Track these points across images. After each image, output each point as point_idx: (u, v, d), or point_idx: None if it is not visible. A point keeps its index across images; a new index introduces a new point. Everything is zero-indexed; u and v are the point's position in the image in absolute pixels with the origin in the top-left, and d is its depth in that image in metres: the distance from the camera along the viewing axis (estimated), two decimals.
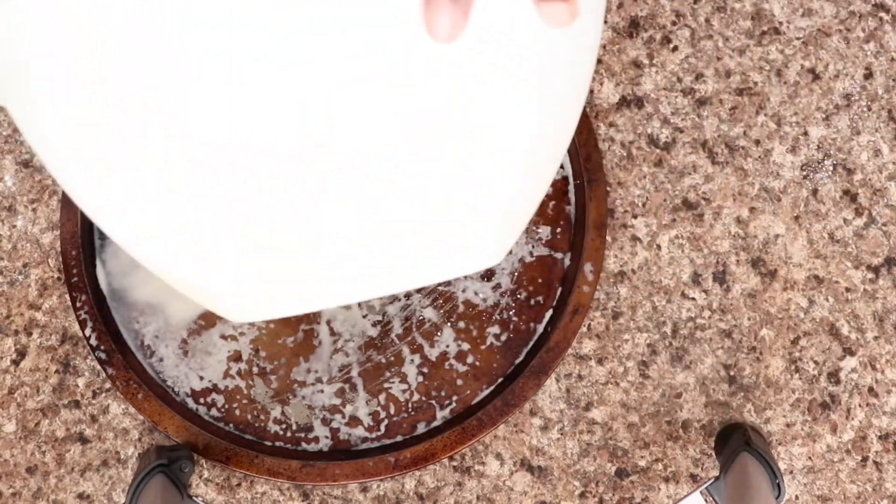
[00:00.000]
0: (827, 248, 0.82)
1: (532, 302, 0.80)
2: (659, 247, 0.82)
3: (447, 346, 0.79)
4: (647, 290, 0.81)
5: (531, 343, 0.80)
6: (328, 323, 0.80)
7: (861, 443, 0.80)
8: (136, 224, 0.36)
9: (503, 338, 0.80)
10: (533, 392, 0.77)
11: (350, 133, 0.33)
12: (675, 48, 0.85)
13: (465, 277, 0.80)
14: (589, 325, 0.81)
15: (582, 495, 0.79)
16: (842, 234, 0.82)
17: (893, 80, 0.85)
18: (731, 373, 0.80)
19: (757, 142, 0.84)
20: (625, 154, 0.84)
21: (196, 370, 0.79)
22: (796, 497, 0.79)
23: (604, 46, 0.85)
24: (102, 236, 0.81)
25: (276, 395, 0.79)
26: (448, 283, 0.80)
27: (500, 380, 0.79)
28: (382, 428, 0.79)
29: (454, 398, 0.79)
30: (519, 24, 0.33)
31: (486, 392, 0.79)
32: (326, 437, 0.78)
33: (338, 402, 0.79)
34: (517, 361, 0.79)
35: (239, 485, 0.79)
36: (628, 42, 0.85)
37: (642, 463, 0.79)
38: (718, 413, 0.80)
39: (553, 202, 0.82)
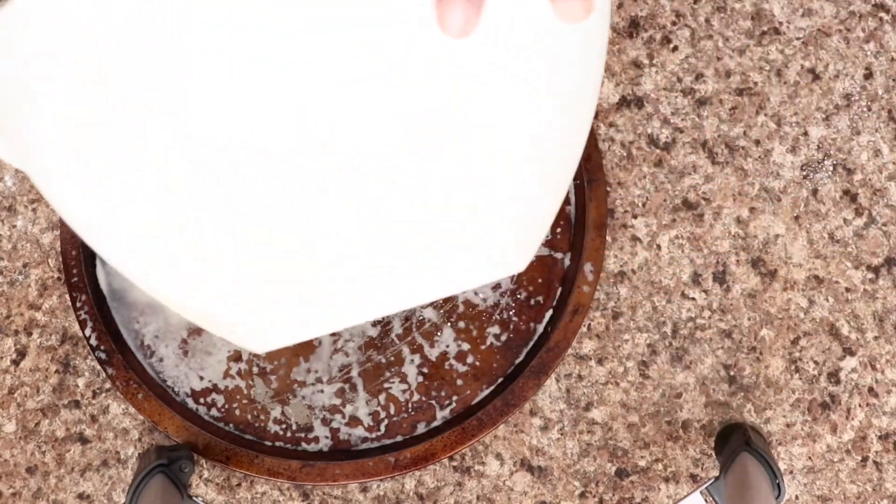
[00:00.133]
0: (827, 248, 0.82)
1: (532, 302, 0.80)
2: (659, 247, 0.82)
3: (447, 346, 0.79)
4: (647, 290, 0.81)
5: (531, 343, 0.80)
6: None
7: (861, 443, 0.80)
8: (133, 229, 0.36)
9: (503, 338, 0.80)
10: (533, 392, 0.77)
11: (351, 134, 0.33)
12: (675, 48, 0.85)
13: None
14: (589, 325, 0.81)
15: (582, 495, 0.79)
16: (842, 234, 0.82)
17: (893, 80, 0.85)
18: (731, 373, 0.80)
19: (757, 142, 0.84)
20: (625, 154, 0.84)
21: (196, 370, 0.79)
22: (796, 497, 0.79)
23: None
24: None
25: (276, 395, 0.79)
26: None
27: (500, 380, 0.79)
28: (382, 428, 0.79)
29: (454, 398, 0.79)
30: (524, 23, 0.33)
31: (486, 392, 0.79)
32: (326, 437, 0.79)
33: (338, 402, 0.79)
34: (517, 361, 0.79)
35: (239, 485, 0.79)
36: (628, 42, 0.85)
37: (642, 463, 0.79)
38: (718, 413, 0.80)
39: None
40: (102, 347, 0.77)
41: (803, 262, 0.82)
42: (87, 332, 0.78)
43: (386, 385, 0.79)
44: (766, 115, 0.84)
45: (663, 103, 0.84)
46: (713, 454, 0.79)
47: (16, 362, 0.81)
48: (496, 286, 0.80)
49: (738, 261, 0.82)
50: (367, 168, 0.34)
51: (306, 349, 0.79)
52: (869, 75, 0.85)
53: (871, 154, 0.84)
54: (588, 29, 0.37)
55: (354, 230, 0.36)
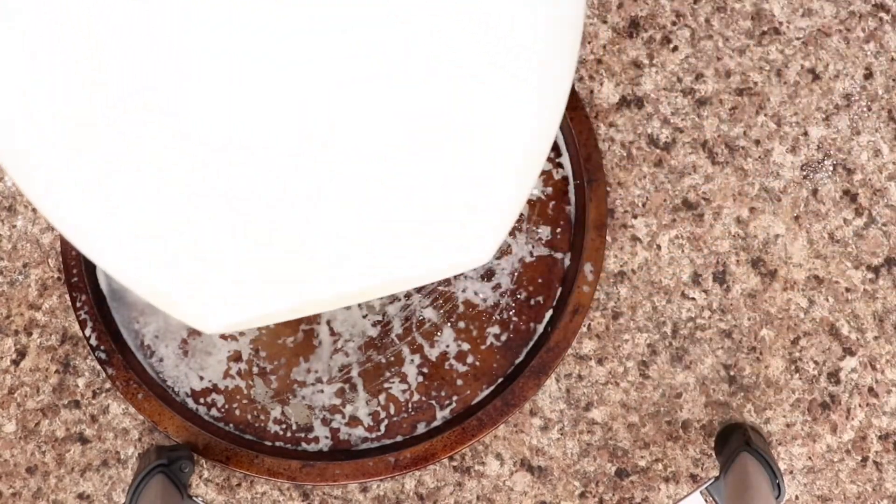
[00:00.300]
0: (827, 248, 0.82)
1: (532, 302, 0.80)
2: (659, 247, 0.82)
3: (447, 346, 0.79)
4: (647, 290, 0.81)
5: (531, 343, 0.80)
6: (328, 323, 0.80)
7: (861, 443, 0.80)
8: (131, 228, 0.36)
9: (503, 338, 0.80)
10: (533, 392, 0.77)
11: (350, 133, 0.33)
12: (675, 48, 0.85)
13: (465, 277, 0.80)
14: (589, 325, 0.81)
15: (582, 495, 0.79)
16: (842, 234, 0.82)
17: (893, 80, 0.85)
18: (731, 373, 0.80)
19: (757, 142, 0.84)
20: (625, 154, 0.84)
21: (196, 370, 0.79)
22: (796, 497, 0.79)
23: (604, 46, 0.85)
24: None
25: (276, 395, 0.79)
26: (448, 283, 0.80)
27: (500, 380, 0.79)
28: (382, 428, 0.79)
29: (454, 398, 0.79)
30: (518, 25, 0.33)
31: (486, 392, 0.79)
32: (326, 437, 0.78)
33: (338, 402, 0.79)
34: (517, 361, 0.79)
35: (239, 485, 0.79)
36: (628, 42, 0.85)
37: (642, 463, 0.79)
38: (718, 413, 0.80)
39: (553, 202, 0.82)
40: (102, 347, 0.77)
41: (803, 262, 0.82)
42: (87, 332, 0.78)
43: (386, 385, 0.79)
44: (766, 115, 0.84)
45: (663, 103, 0.84)
46: (713, 454, 0.79)
47: (16, 362, 0.81)
48: (496, 286, 0.80)
49: (738, 261, 0.82)
50: (365, 167, 0.34)
51: (306, 349, 0.80)
52: (869, 75, 0.85)
53: (871, 154, 0.84)
54: (560, 29, 0.37)
55: (342, 218, 0.36)
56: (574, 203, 0.82)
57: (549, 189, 0.82)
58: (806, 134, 0.84)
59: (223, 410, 0.79)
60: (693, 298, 0.81)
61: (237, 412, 0.79)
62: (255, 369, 0.79)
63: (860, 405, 0.80)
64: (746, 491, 0.68)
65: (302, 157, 0.33)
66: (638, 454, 0.79)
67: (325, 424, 0.79)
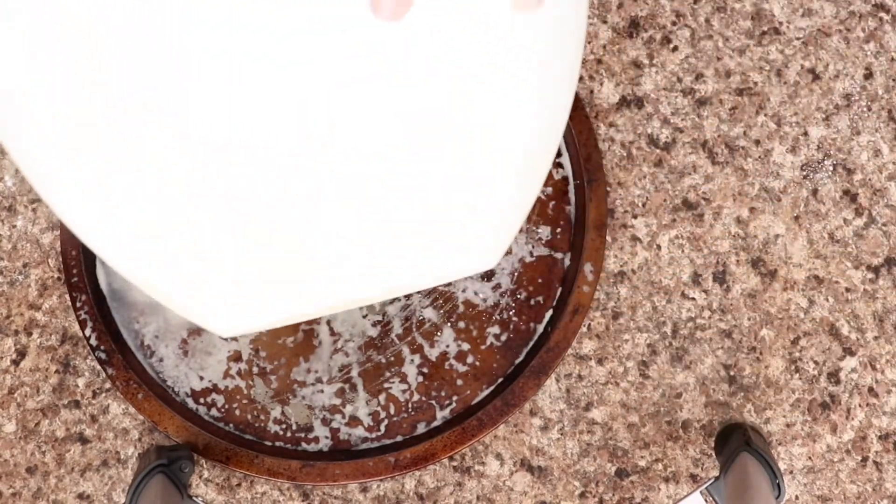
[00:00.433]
0: (827, 248, 0.82)
1: (532, 302, 0.80)
2: (659, 247, 0.82)
3: (447, 346, 0.79)
4: (647, 290, 0.81)
5: (531, 343, 0.80)
6: (328, 323, 0.80)
7: (861, 443, 0.80)
8: (132, 228, 0.36)
9: (503, 338, 0.80)
10: (533, 392, 0.77)
11: (350, 133, 0.33)
12: (675, 48, 0.85)
13: (466, 277, 0.80)
14: (589, 325, 0.81)
15: (582, 495, 0.79)
16: (842, 234, 0.82)
17: (893, 80, 0.85)
18: (731, 373, 0.80)
19: (757, 142, 0.84)
20: (625, 154, 0.84)
21: (196, 370, 0.79)
22: (796, 497, 0.79)
23: (604, 46, 0.85)
24: None
25: (276, 395, 0.79)
26: (448, 283, 0.80)
27: (500, 380, 0.79)
28: (382, 428, 0.79)
29: (454, 398, 0.79)
30: (518, 24, 0.33)
31: (486, 392, 0.79)
32: (326, 437, 0.78)
33: (338, 402, 0.79)
34: (517, 361, 0.79)
35: (239, 485, 0.79)
36: (628, 42, 0.85)
37: (642, 463, 0.79)
38: (718, 413, 0.80)
39: (553, 202, 0.82)
40: (102, 347, 0.77)
41: (803, 262, 0.82)
42: (87, 332, 0.78)
43: (386, 385, 0.79)
44: (766, 115, 0.84)
45: (663, 103, 0.84)
46: (713, 454, 0.79)
47: (16, 362, 0.81)
48: (496, 286, 0.80)
49: (738, 261, 0.82)
50: (366, 168, 0.34)
51: (306, 349, 0.80)
52: (869, 75, 0.85)
53: (871, 154, 0.84)
54: (563, 33, 0.37)
55: (343, 220, 0.36)
56: (574, 203, 0.82)
57: (549, 189, 0.82)
58: (806, 134, 0.84)
59: (223, 410, 0.79)
60: (693, 298, 0.81)
61: (237, 412, 0.79)
62: (255, 369, 0.79)
63: (860, 405, 0.80)
64: (746, 491, 0.68)
65: (302, 158, 0.33)
66: (638, 454, 0.79)
67: (325, 424, 0.79)
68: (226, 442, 0.76)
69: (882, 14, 0.86)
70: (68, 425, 0.80)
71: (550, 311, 0.80)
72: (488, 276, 0.81)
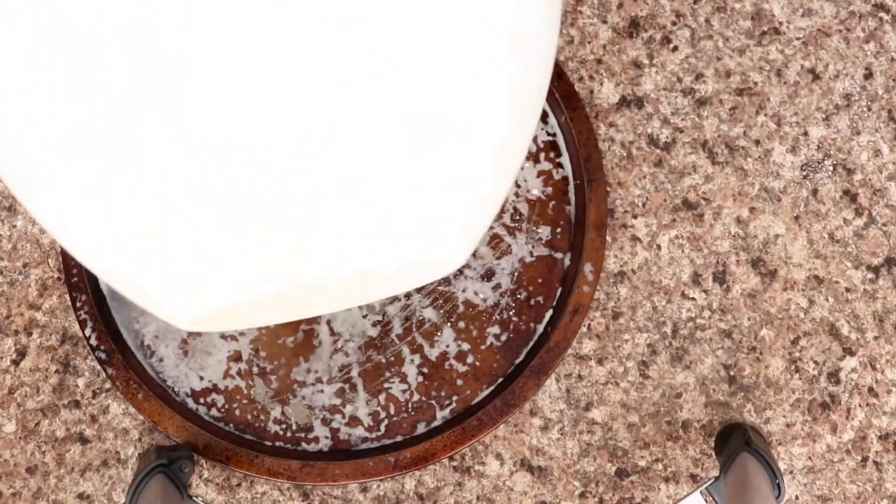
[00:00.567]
0: (827, 248, 0.82)
1: (532, 302, 0.80)
2: (659, 247, 0.82)
3: (447, 346, 0.79)
4: (647, 290, 0.81)
5: (531, 343, 0.80)
6: (328, 323, 0.80)
7: (861, 443, 0.80)
8: (132, 228, 0.36)
9: (503, 338, 0.80)
10: (533, 392, 0.77)
11: (348, 133, 0.33)
12: (675, 48, 0.85)
13: (465, 277, 0.80)
14: (589, 325, 0.81)
15: (582, 495, 0.79)
16: (842, 234, 0.82)
17: (893, 80, 0.85)
18: (731, 373, 0.80)
19: (757, 142, 0.84)
20: (625, 154, 0.84)
21: (196, 370, 0.79)
22: (796, 497, 0.79)
23: (604, 46, 0.85)
24: None
25: (276, 395, 0.79)
26: (448, 283, 0.80)
27: (500, 380, 0.79)
28: (382, 428, 0.79)
29: (454, 398, 0.79)
30: (491, 31, 0.34)
31: (486, 392, 0.79)
32: (326, 437, 0.78)
33: (338, 402, 0.79)
34: (517, 361, 0.79)
35: (239, 485, 0.79)
36: (628, 42, 0.85)
37: (642, 463, 0.79)
38: (718, 413, 0.80)
39: (553, 202, 0.82)
40: (102, 347, 0.77)
41: (803, 262, 0.82)
42: (87, 332, 0.78)
43: (386, 385, 0.79)
44: (766, 115, 0.84)
45: (663, 103, 0.84)
46: (713, 454, 0.79)
47: (16, 362, 0.81)
48: (496, 286, 0.80)
49: (738, 261, 0.82)
50: (364, 168, 0.34)
51: (306, 349, 0.80)
52: (869, 75, 0.85)
53: (871, 154, 0.84)
54: (539, 32, 0.38)
55: (339, 219, 0.36)
56: (574, 203, 0.82)
57: (549, 189, 0.82)
58: (806, 134, 0.84)
59: (223, 410, 0.79)
60: (693, 298, 0.81)
61: (237, 412, 0.79)
62: (255, 369, 0.79)
63: (860, 405, 0.80)
64: (746, 491, 0.68)
65: (302, 157, 0.33)
66: (638, 454, 0.79)
67: (325, 424, 0.79)
68: (226, 442, 0.76)
69: (882, 14, 0.86)
70: (68, 425, 0.80)
71: (550, 311, 0.80)
72: (488, 275, 0.81)
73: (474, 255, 0.81)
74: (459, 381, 0.79)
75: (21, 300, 0.82)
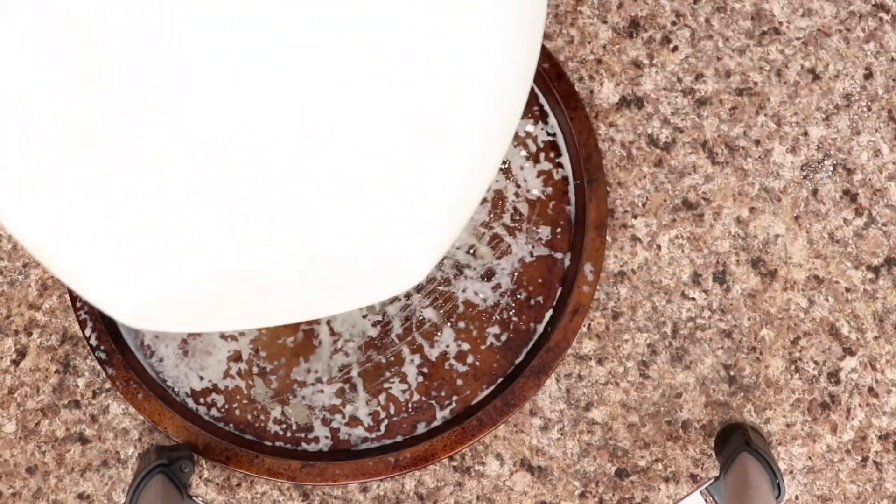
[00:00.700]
0: (827, 248, 0.82)
1: (532, 302, 0.80)
2: (659, 247, 0.82)
3: (447, 346, 0.79)
4: (647, 290, 0.81)
5: (531, 343, 0.80)
6: (328, 323, 0.80)
7: (861, 443, 0.80)
8: (132, 227, 0.36)
9: (503, 338, 0.80)
10: (533, 392, 0.77)
11: (349, 133, 0.33)
12: (675, 48, 0.85)
13: (465, 277, 0.80)
14: (589, 325, 0.81)
15: (582, 495, 0.79)
16: (842, 234, 0.82)
17: (893, 80, 0.85)
18: (731, 373, 0.80)
19: (757, 142, 0.84)
20: (625, 154, 0.84)
21: (196, 370, 0.79)
22: (796, 497, 0.79)
23: (604, 46, 0.85)
24: None
25: (276, 395, 0.79)
26: (448, 283, 0.80)
27: (500, 380, 0.79)
28: (382, 428, 0.79)
29: (454, 398, 0.79)
30: (490, 31, 0.34)
31: (486, 392, 0.79)
32: (326, 437, 0.78)
33: (338, 402, 0.79)
34: (517, 361, 0.79)
35: (239, 485, 0.79)
36: (628, 42, 0.85)
37: (642, 463, 0.79)
38: (718, 413, 0.80)
39: (553, 202, 0.82)
40: (102, 347, 0.77)
41: (803, 262, 0.82)
42: (87, 332, 0.78)
43: (386, 385, 0.79)
44: (766, 115, 0.84)
45: (663, 103, 0.84)
46: (713, 454, 0.79)
47: (16, 362, 0.81)
48: (496, 286, 0.80)
49: (738, 261, 0.82)
50: (357, 166, 0.34)
51: (306, 349, 0.80)
52: (869, 75, 0.85)
53: (871, 154, 0.84)
54: (510, 48, 0.38)
55: (339, 219, 0.36)
56: (574, 203, 0.82)
57: (549, 189, 0.82)
58: (806, 134, 0.84)
59: (223, 410, 0.79)
60: (693, 298, 0.81)
61: (237, 412, 0.79)
62: (255, 369, 0.79)
63: (860, 405, 0.80)
64: (746, 491, 0.68)
65: (302, 157, 0.33)
66: (638, 454, 0.79)
67: (325, 424, 0.79)
68: (226, 442, 0.76)
69: (882, 14, 0.86)
70: (68, 425, 0.80)
71: (550, 311, 0.80)
72: (488, 275, 0.81)
73: (474, 254, 0.81)
74: (459, 381, 0.79)
75: (21, 300, 0.82)
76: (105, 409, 0.80)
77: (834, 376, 0.80)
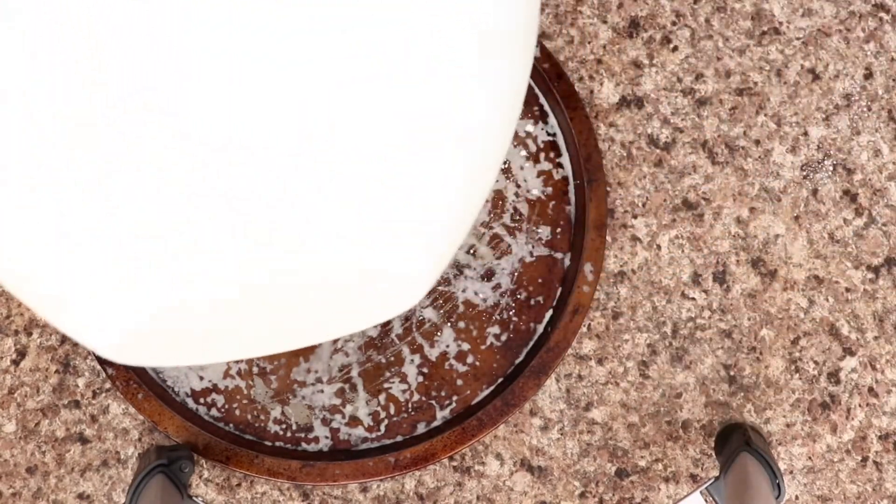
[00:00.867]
0: (827, 248, 0.82)
1: (532, 302, 0.80)
2: (659, 247, 0.82)
3: (447, 346, 0.79)
4: (647, 290, 0.81)
5: (531, 343, 0.80)
6: None
7: (861, 443, 0.80)
8: (132, 227, 0.36)
9: (503, 338, 0.80)
10: (533, 392, 0.77)
11: (349, 133, 0.33)
12: (675, 48, 0.85)
13: (465, 277, 0.80)
14: (589, 325, 0.81)
15: (582, 495, 0.79)
16: (842, 234, 0.82)
17: (893, 80, 0.85)
18: (731, 373, 0.80)
19: (757, 142, 0.84)
20: (625, 154, 0.84)
21: (196, 370, 0.79)
22: (796, 497, 0.79)
23: (604, 46, 0.85)
24: None
25: (276, 395, 0.79)
26: (448, 283, 0.80)
27: (500, 380, 0.79)
28: (382, 428, 0.79)
29: (454, 398, 0.79)
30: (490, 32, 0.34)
31: (486, 392, 0.79)
32: (326, 437, 0.79)
33: (338, 402, 0.79)
34: (517, 361, 0.79)
35: (239, 485, 0.79)
36: (628, 42, 0.85)
37: (642, 463, 0.79)
38: (718, 413, 0.80)
39: (553, 202, 0.82)
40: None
41: (803, 262, 0.82)
42: None
43: (386, 385, 0.79)
44: (766, 115, 0.84)
45: (663, 103, 0.84)
46: (713, 454, 0.79)
47: (16, 362, 0.81)
48: (496, 286, 0.80)
49: (738, 261, 0.82)
50: (358, 166, 0.34)
51: (306, 349, 0.80)
52: (869, 75, 0.85)
53: (871, 154, 0.84)
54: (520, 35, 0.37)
55: (335, 222, 0.36)
56: (574, 203, 0.82)
57: (549, 189, 0.82)
58: (806, 134, 0.84)
59: (223, 410, 0.79)
60: (693, 298, 0.81)
61: (237, 412, 0.79)
62: (255, 369, 0.79)
63: (860, 405, 0.80)
64: (746, 491, 0.68)
65: (302, 157, 0.33)
66: (638, 454, 0.79)
67: (325, 424, 0.79)
68: (226, 442, 0.76)
69: (882, 14, 0.86)
70: (68, 425, 0.80)
71: (550, 311, 0.80)
72: (488, 275, 0.81)
73: (474, 254, 0.81)
74: (459, 381, 0.79)
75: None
76: (105, 409, 0.80)
77: (834, 376, 0.80)
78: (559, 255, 0.81)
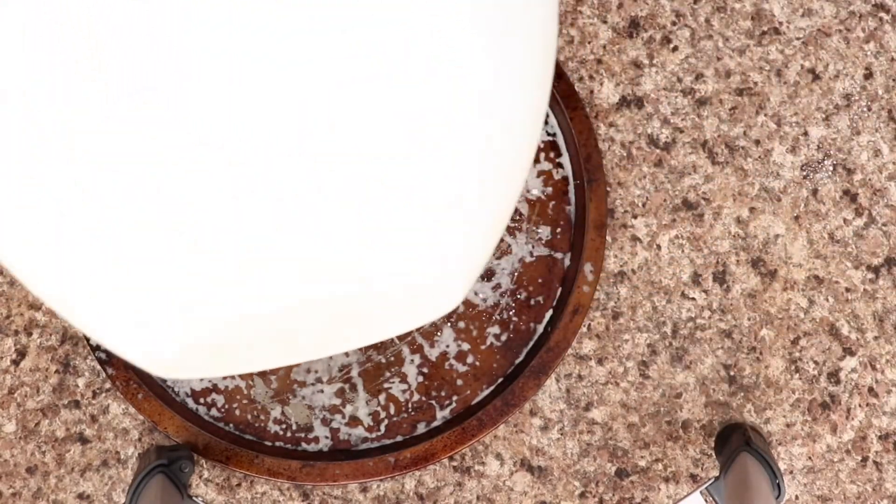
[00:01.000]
0: (827, 248, 0.82)
1: (532, 302, 0.80)
2: (659, 247, 0.82)
3: (447, 346, 0.79)
4: (647, 290, 0.81)
5: (531, 343, 0.80)
6: None
7: (861, 443, 0.80)
8: (132, 228, 0.36)
9: (503, 338, 0.80)
10: (533, 392, 0.77)
11: (352, 132, 0.33)
12: (675, 48, 0.85)
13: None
14: (589, 325, 0.81)
15: (582, 495, 0.79)
16: (842, 234, 0.82)
17: (893, 80, 0.85)
18: (731, 373, 0.80)
19: (757, 142, 0.84)
20: (625, 154, 0.84)
21: None
22: (796, 497, 0.79)
23: (604, 46, 0.85)
24: None
25: (276, 395, 0.79)
26: None
27: (500, 380, 0.79)
28: (382, 428, 0.79)
29: (454, 398, 0.79)
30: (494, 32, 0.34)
31: (486, 392, 0.79)
32: (326, 437, 0.78)
33: (338, 402, 0.79)
34: (517, 361, 0.79)
35: (239, 485, 0.79)
36: (628, 42, 0.85)
37: (642, 463, 0.79)
38: (718, 413, 0.80)
39: (553, 202, 0.82)
40: (102, 347, 0.78)
41: (803, 262, 0.82)
42: None
43: (386, 385, 0.79)
44: (766, 115, 0.84)
45: (663, 103, 0.84)
46: (713, 454, 0.79)
47: (16, 362, 0.81)
48: (496, 286, 0.80)
49: (738, 261, 0.82)
50: (358, 166, 0.34)
51: None
52: (869, 75, 0.85)
53: (871, 154, 0.84)
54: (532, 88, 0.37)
55: (336, 226, 0.36)
56: (574, 203, 0.82)
57: (549, 189, 0.82)
58: (806, 134, 0.84)
59: (223, 410, 0.79)
60: (693, 298, 0.81)
61: (237, 412, 0.79)
62: None
63: (860, 405, 0.80)
64: (746, 491, 0.68)
65: (302, 158, 0.33)
66: (638, 454, 0.79)
67: (325, 424, 0.79)
68: (226, 442, 0.76)
69: (882, 14, 0.86)
70: (68, 425, 0.80)
71: (550, 311, 0.80)
72: (488, 275, 0.81)
73: None
74: (459, 381, 0.79)
75: (21, 300, 0.82)
76: (105, 409, 0.80)
77: (834, 376, 0.80)
78: (559, 255, 0.81)
